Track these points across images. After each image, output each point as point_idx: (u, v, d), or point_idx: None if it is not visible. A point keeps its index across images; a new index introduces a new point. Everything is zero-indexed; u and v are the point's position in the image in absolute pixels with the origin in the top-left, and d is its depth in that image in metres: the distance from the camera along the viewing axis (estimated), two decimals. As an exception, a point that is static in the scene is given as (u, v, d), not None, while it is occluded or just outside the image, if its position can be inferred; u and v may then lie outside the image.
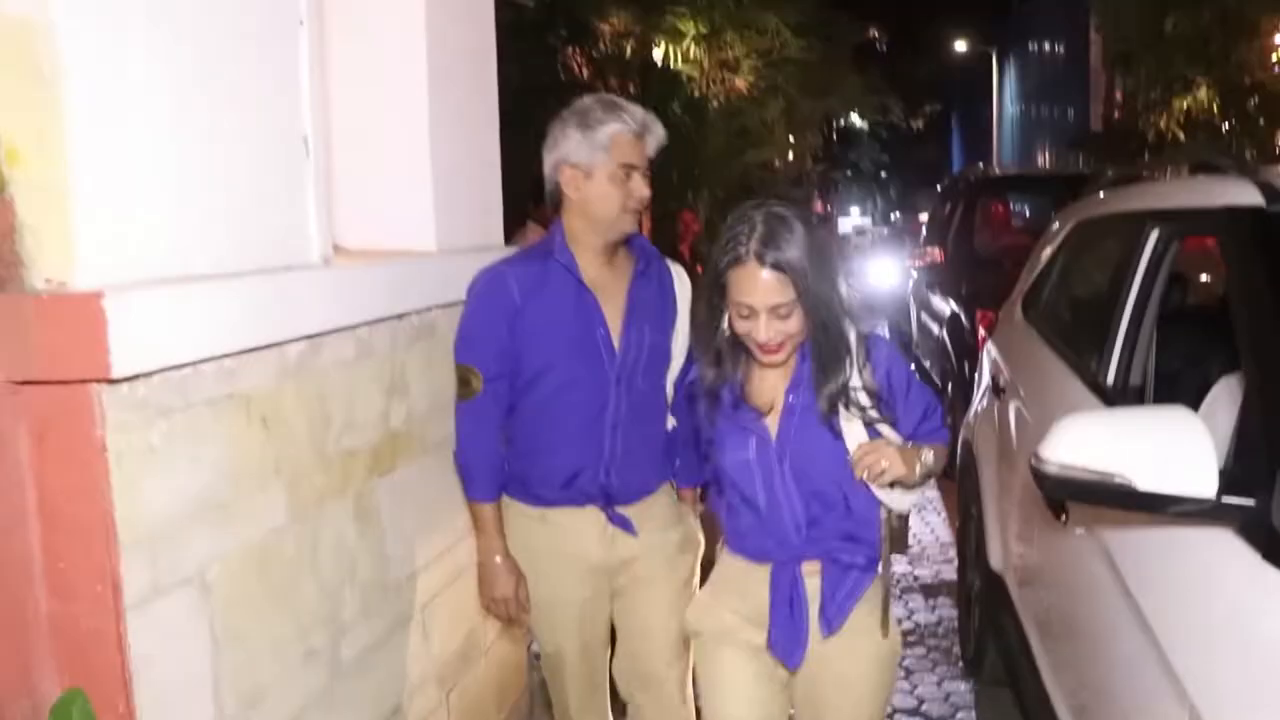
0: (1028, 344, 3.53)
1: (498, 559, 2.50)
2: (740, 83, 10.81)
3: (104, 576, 1.61)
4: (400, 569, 2.44)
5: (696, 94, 10.31)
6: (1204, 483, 1.68)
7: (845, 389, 2.05)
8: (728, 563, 2.25)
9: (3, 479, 1.58)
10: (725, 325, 2.08)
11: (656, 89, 9.49)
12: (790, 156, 15.18)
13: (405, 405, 2.49)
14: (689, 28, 10.00)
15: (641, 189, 2.38)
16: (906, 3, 26.31)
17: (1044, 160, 25.03)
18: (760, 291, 1.97)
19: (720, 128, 9.93)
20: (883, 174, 37.71)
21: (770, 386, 2.13)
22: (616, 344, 2.41)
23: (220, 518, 1.84)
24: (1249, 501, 1.67)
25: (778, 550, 2.12)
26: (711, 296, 2.07)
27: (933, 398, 2.20)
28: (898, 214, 32.48)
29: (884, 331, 13.67)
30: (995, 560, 3.41)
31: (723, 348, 2.12)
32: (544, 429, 2.44)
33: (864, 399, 2.06)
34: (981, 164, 19.30)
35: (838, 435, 2.07)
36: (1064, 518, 2.46)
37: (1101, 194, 3.67)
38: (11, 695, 1.58)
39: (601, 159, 2.35)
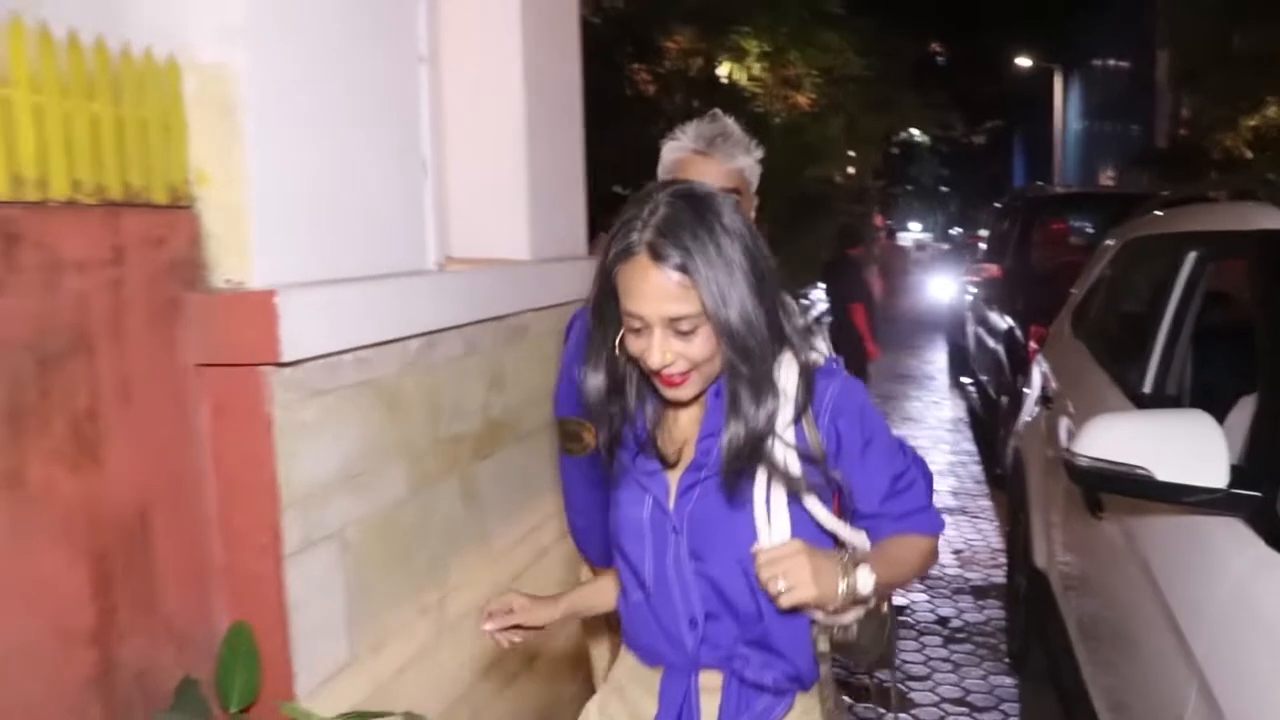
0: (1075, 357, 3.74)
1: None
2: (802, 99, 11.03)
3: (268, 530, 1.92)
4: (497, 543, 2.73)
5: (759, 110, 10.54)
6: (1216, 476, 1.91)
7: (758, 444, 1.47)
8: (622, 660, 1.72)
9: (187, 447, 1.89)
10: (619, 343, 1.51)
11: (720, 105, 9.70)
12: (851, 171, 15.36)
13: (503, 398, 2.78)
14: (752, 46, 10.25)
15: None
16: (969, 19, 26.34)
17: (1107, 178, 24.90)
18: (652, 297, 1.41)
19: (782, 144, 10.17)
20: (943, 189, 37.71)
21: (684, 430, 1.58)
22: None
23: (356, 487, 2.14)
24: (1256, 493, 1.90)
25: (670, 651, 1.58)
26: (602, 302, 1.50)
27: (911, 464, 1.59)
28: (958, 229, 32.40)
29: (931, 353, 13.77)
30: (1040, 559, 3.62)
31: (625, 371, 1.55)
32: None
33: (792, 463, 1.48)
34: (1041, 182, 19.29)
35: (747, 509, 1.50)
36: (1100, 515, 2.69)
37: (1149, 215, 3.87)
38: (193, 625, 1.89)
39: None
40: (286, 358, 1.87)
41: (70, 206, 1.65)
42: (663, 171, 2.12)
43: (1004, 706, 3.88)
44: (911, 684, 4.04)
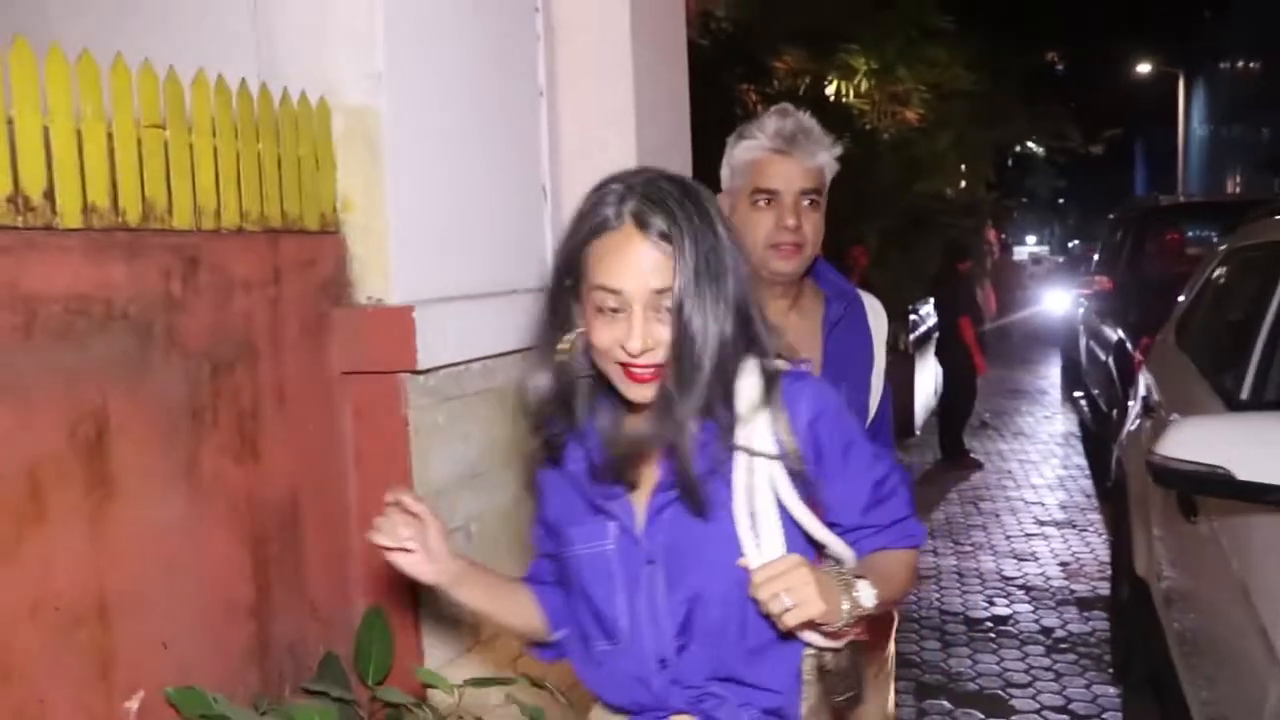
0: (1177, 366, 3.76)
1: None
2: (910, 115, 11.03)
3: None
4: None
5: (867, 127, 10.59)
6: (1295, 476, 1.98)
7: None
8: (595, 716, 1.54)
9: (332, 445, 2.13)
10: (577, 339, 1.37)
11: (829, 123, 9.81)
12: (962, 185, 15.21)
13: (613, 406, 2.97)
14: (860, 64, 10.31)
15: (786, 218, 1.91)
16: (1086, 25, 25.79)
17: (1235, 184, 24.09)
18: (634, 268, 1.26)
19: (890, 160, 10.20)
20: (1060, 201, 36.89)
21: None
22: None
23: (479, 485, 2.35)
24: (1337, 493, 1.97)
25: (635, 696, 1.43)
26: (560, 289, 1.38)
27: (891, 471, 1.44)
28: (1076, 242, 31.62)
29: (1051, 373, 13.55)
30: (1140, 567, 3.65)
31: (574, 375, 1.39)
32: None
33: (779, 478, 1.34)
34: (1156, 192, 18.81)
35: (727, 525, 1.34)
36: (1194, 520, 2.74)
37: (1257, 221, 3.87)
38: (335, 608, 2.12)
39: (740, 183, 1.98)
40: (421, 366, 2.09)
41: (239, 233, 1.90)
42: (732, 174, 2.00)
43: (1106, 716, 3.90)
44: (1013, 691, 4.09)
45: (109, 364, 1.63)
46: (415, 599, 2.17)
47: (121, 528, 1.65)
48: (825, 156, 1.97)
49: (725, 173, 2.04)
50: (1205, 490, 2.14)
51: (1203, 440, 2.10)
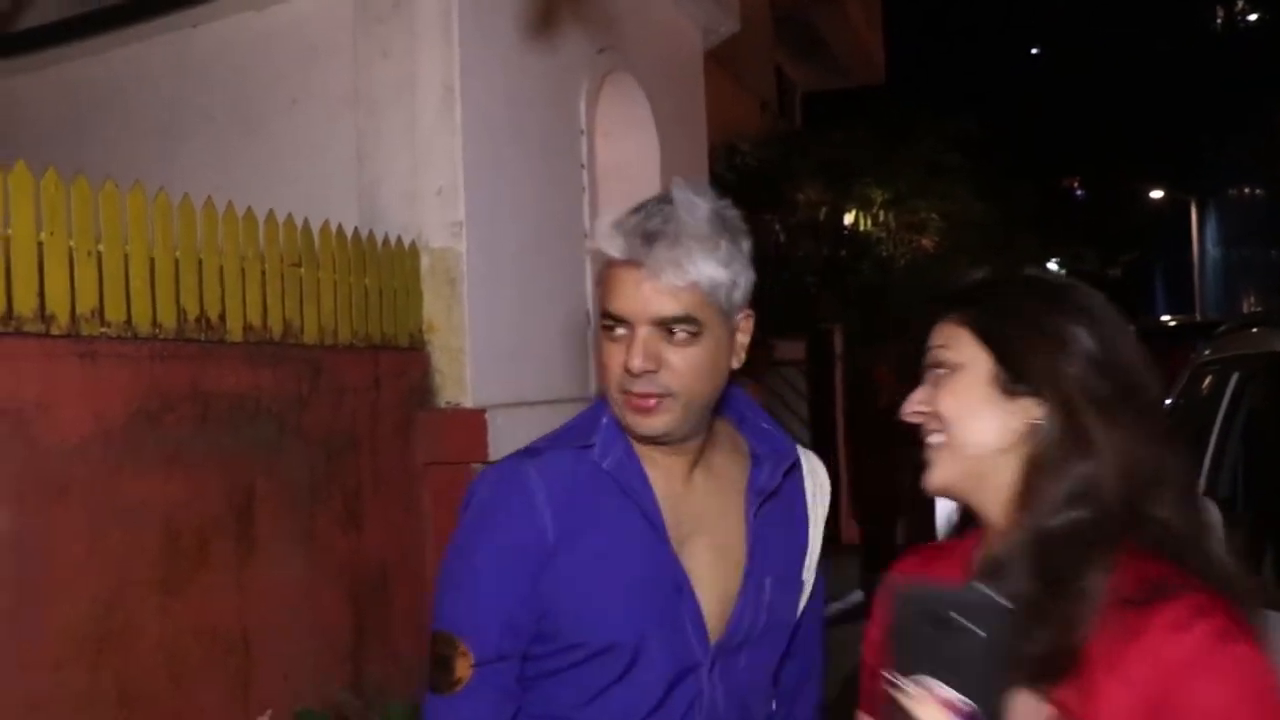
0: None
1: None
2: (925, 242, 11.58)
3: (472, 586, 2.56)
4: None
5: (884, 254, 11.14)
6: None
7: None
8: None
9: (415, 523, 2.58)
10: None
11: (848, 251, 10.55)
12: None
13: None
14: (877, 196, 10.92)
15: (633, 358, 1.13)
16: (1103, 152, 26.68)
17: (1249, 304, 24.57)
18: None
19: (907, 284, 10.72)
20: (1084, 322, 37.36)
21: None
22: (716, 617, 1.22)
23: (533, 560, 2.78)
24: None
25: None
26: None
27: None
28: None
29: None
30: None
31: None
32: None
33: None
34: (1161, 315, 19.29)
35: None
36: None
37: (1215, 340, 4.32)
38: (412, 659, 2.53)
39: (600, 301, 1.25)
40: (491, 458, 2.54)
41: (350, 349, 2.39)
42: (599, 279, 1.26)
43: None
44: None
45: (257, 447, 2.11)
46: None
47: (260, 576, 2.10)
48: (709, 268, 1.17)
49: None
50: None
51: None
